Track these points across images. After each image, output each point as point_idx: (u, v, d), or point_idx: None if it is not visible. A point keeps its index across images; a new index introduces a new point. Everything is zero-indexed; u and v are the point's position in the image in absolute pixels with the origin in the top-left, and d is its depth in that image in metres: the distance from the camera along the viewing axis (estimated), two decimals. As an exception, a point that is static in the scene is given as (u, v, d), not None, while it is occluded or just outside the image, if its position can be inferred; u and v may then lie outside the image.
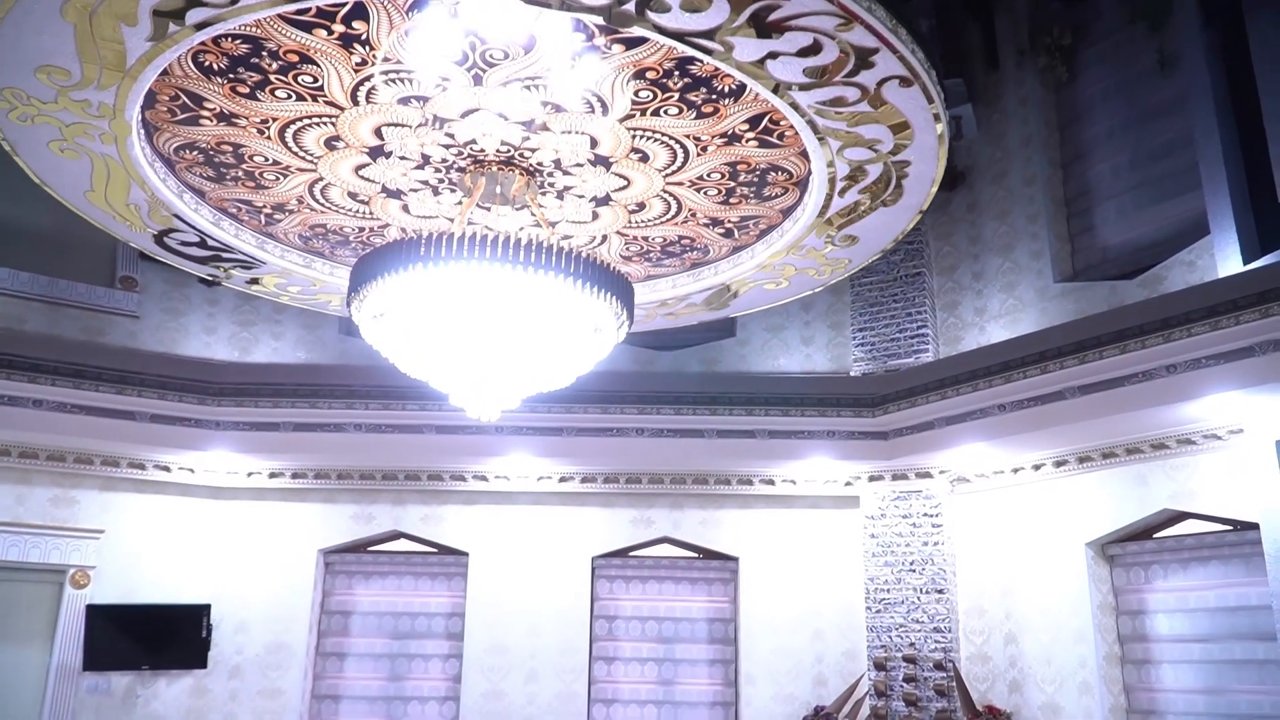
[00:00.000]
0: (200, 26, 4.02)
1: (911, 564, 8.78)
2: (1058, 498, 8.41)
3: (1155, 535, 7.97)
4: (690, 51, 4.13)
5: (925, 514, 8.88)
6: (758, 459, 8.95)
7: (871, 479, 9.10)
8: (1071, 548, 8.23)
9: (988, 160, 9.30)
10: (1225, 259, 7.24)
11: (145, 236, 5.91)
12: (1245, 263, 7.06)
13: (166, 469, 9.21)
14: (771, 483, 9.40)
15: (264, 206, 5.81)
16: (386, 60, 4.45)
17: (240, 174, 5.46)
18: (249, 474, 9.47)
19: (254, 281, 6.66)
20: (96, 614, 8.65)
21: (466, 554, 9.53)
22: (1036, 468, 8.55)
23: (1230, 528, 7.50)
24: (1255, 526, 7.17)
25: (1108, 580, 8.18)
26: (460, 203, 5.62)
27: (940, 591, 8.62)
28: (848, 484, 9.24)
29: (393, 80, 4.58)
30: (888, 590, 8.82)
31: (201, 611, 9.02)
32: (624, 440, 8.90)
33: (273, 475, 9.50)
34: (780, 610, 9.23)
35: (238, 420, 8.85)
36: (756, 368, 9.65)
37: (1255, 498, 6.99)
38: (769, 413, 8.82)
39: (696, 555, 9.62)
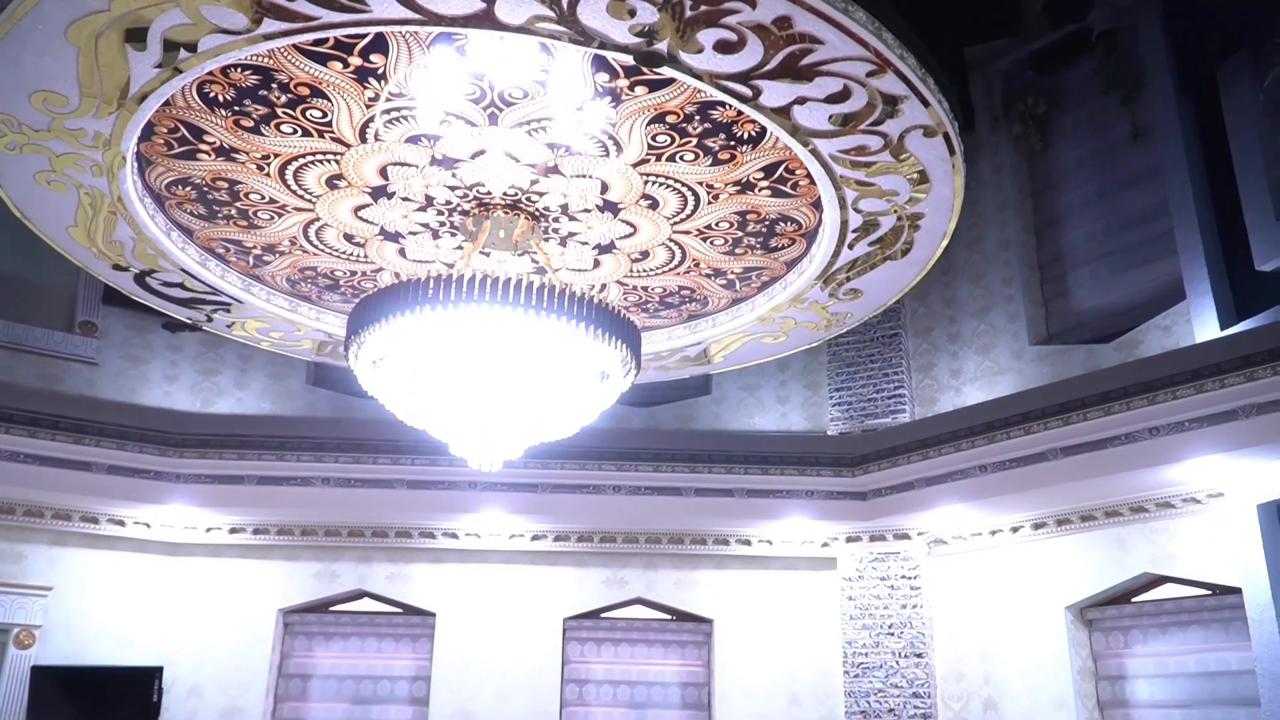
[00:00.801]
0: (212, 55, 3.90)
1: (890, 627, 8.66)
2: (1036, 561, 8.38)
3: (1134, 599, 7.96)
4: (718, 95, 4.10)
5: (903, 576, 8.80)
6: (735, 518, 8.82)
7: (849, 540, 9.01)
8: (1051, 612, 8.18)
9: (963, 225, 9.37)
10: (1202, 325, 7.34)
11: (126, 276, 5.69)
12: (1223, 328, 7.16)
13: (121, 523, 8.83)
14: (748, 543, 9.26)
15: (254, 247, 5.64)
16: (400, 96, 4.35)
17: (233, 212, 5.30)
18: (208, 529, 9.11)
19: (234, 325, 6.45)
20: (42, 676, 8.18)
21: (434, 614, 9.22)
22: (1015, 530, 8.53)
23: (1210, 592, 7.51)
24: (1234, 591, 7.19)
25: (1087, 645, 8.13)
26: (460, 247, 5.51)
27: (919, 655, 8.51)
28: (824, 545, 9.13)
29: (405, 118, 4.48)
30: (866, 654, 8.68)
31: (153, 674, 8.57)
32: (600, 498, 8.73)
33: (233, 531, 9.15)
34: (756, 674, 9.03)
35: (199, 473, 8.54)
36: (732, 426, 9.57)
37: (1237, 562, 7.01)
38: (749, 471, 8.72)
39: (670, 617, 9.42)
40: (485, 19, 3.73)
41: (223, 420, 8.81)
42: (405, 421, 4.96)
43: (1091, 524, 8.09)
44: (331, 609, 9.38)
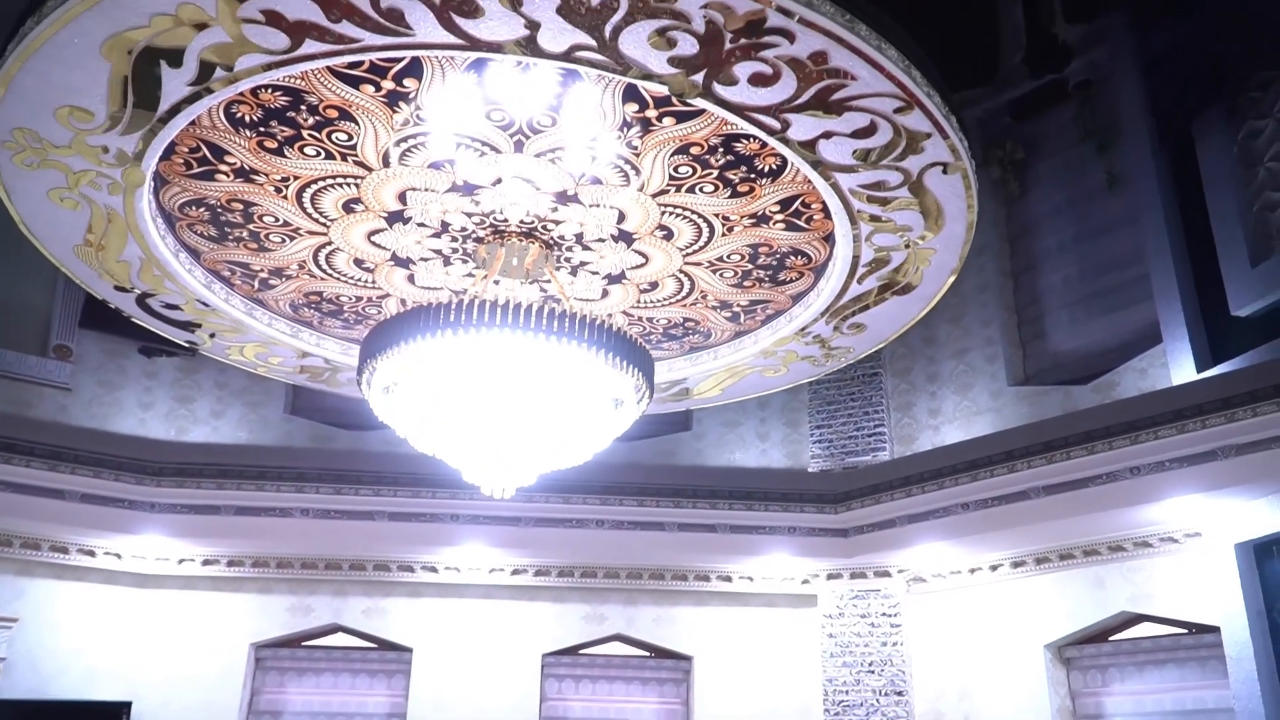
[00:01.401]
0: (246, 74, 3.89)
1: (870, 664, 8.69)
2: (1015, 599, 8.48)
3: (1112, 638, 8.07)
4: (747, 128, 4.17)
5: (884, 613, 8.84)
6: (718, 554, 8.82)
7: (830, 577, 9.05)
8: (1029, 650, 8.26)
9: (942, 267, 9.58)
10: (1179, 368, 7.52)
11: (129, 297, 5.61)
12: (1199, 371, 7.34)
13: (91, 553, 8.60)
14: (729, 579, 9.26)
15: (261, 270, 5.59)
16: (428, 120, 4.37)
17: (244, 234, 5.25)
18: (180, 561, 8.90)
19: (231, 350, 6.37)
20: (5, 710, 7.91)
21: (410, 650, 9.07)
22: (994, 568, 8.62)
23: (1187, 631, 7.65)
24: (1211, 629, 7.32)
25: (1065, 683, 8.22)
26: (471, 274, 5.51)
27: (899, 693, 8.53)
28: (805, 582, 9.15)
29: (430, 143, 4.50)
30: (846, 692, 8.69)
31: (121, 709, 8.33)
32: (583, 532, 8.69)
33: (206, 562, 8.95)
34: (735, 712, 8.98)
35: (175, 502, 8.36)
36: (713, 462, 9.59)
37: (1215, 601, 7.14)
38: (733, 506, 8.74)
39: (649, 654, 9.36)
40: (527, 46, 3.77)
41: (201, 449, 8.66)
42: (417, 448, 4.91)
43: (1070, 563, 8.21)
44: (305, 644, 9.19)
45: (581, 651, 9.33)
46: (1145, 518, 7.44)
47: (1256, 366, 6.80)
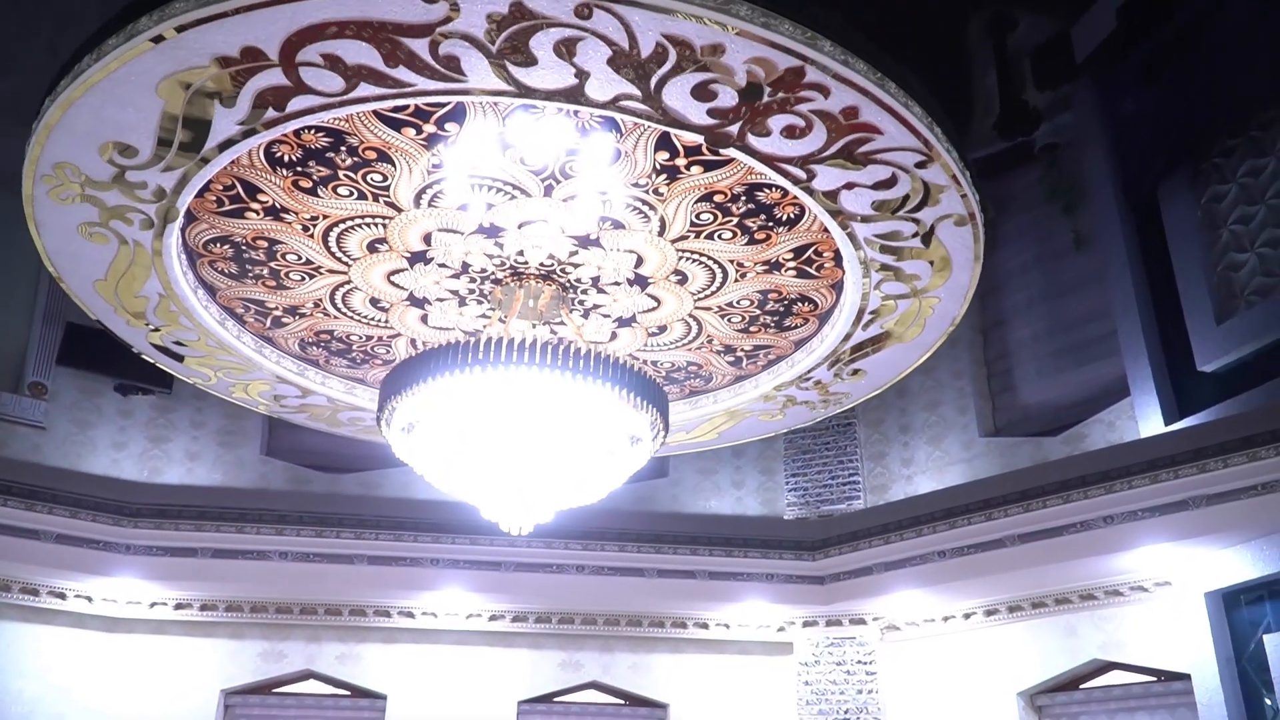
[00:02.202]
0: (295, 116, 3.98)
1: (846, 712, 8.77)
2: (988, 647, 8.64)
3: (1084, 686, 8.26)
4: (774, 178, 4.35)
5: (859, 661, 8.95)
6: (696, 600, 8.88)
7: (806, 624, 9.14)
8: (1002, 698, 8.41)
9: (914, 321, 9.86)
10: (1146, 420, 7.82)
11: (141, 333, 5.59)
12: (1167, 424, 7.63)
13: (62, 596, 8.40)
14: (705, 626, 9.31)
15: (275, 308, 5.62)
16: (463, 163, 4.48)
17: (264, 272, 5.29)
18: (152, 604, 8.72)
19: (235, 387, 6.36)
20: (-33, 757, 7.68)
21: (384, 697, 8.95)
22: (967, 616, 8.78)
23: (1157, 678, 7.86)
24: (1181, 677, 7.53)
25: (1038, 730, 8.39)
26: (485, 315, 5.59)
27: (876, 741, 8.62)
28: (780, 629, 9.24)
29: (470, 186, 4.61)
30: (823, 739, 8.76)
31: (87, 757, 8.11)
32: (563, 577, 8.71)
33: (179, 606, 8.78)
34: (712, 760, 9.00)
35: (151, 544, 8.22)
36: (688, 509, 9.68)
37: (1186, 649, 7.36)
38: (712, 553, 8.83)
39: (623, 702, 9.34)
40: (574, 94, 3.92)
41: (178, 490, 8.55)
42: (436, 487, 4.95)
43: (1042, 611, 8.40)
44: (275, 691, 9.03)
45: (557, 699, 9.28)
46: (1117, 566, 7.66)
47: (1226, 419, 7.10)
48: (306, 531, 8.39)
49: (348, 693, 9.05)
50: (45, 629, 8.40)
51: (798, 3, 3.74)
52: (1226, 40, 7.73)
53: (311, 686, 9.08)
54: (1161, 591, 7.75)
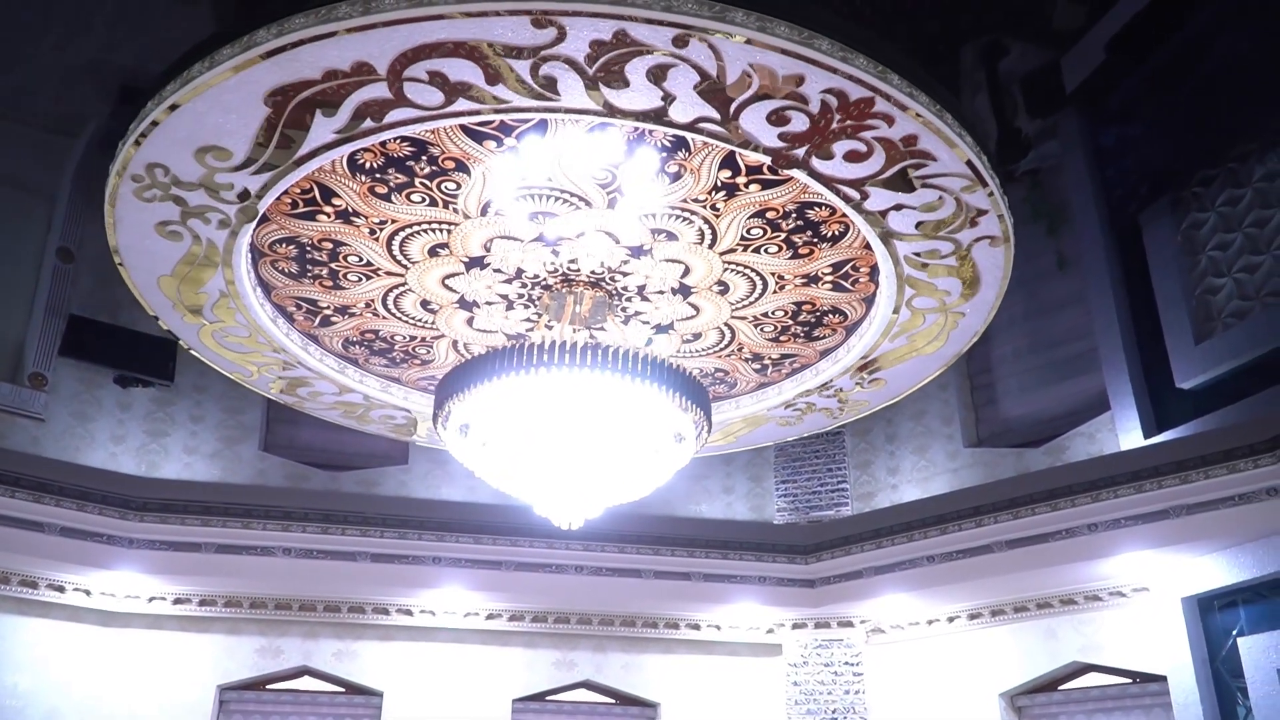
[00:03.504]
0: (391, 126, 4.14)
1: (833, 712, 9.06)
2: (971, 649, 8.99)
3: (1063, 687, 8.64)
4: (830, 197, 4.61)
5: (846, 662, 9.25)
6: (690, 601, 9.12)
7: (795, 626, 9.43)
8: (984, 699, 8.76)
9: (901, 334, 10.21)
10: (1126, 434, 8.22)
11: (194, 328, 5.67)
12: (1145, 438, 8.04)
13: (61, 589, 8.37)
14: (697, 627, 9.55)
15: (327, 307, 5.75)
16: (541, 177, 4.68)
17: (323, 272, 5.42)
18: (150, 599, 8.72)
19: (274, 384, 6.46)
20: (-36, 751, 7.63)
21: (380, 694, 9.04)
22: (950, 620, 9.13)
23: (1133, 680, 8.26)
24: (1157, 679, 7.94)
25: (1018, 731, 8.75)
26: (529, 320, 5.78)
27: (862, 740, 8.93)
28: (769, 631, 9.51)
29: (534, 196, 4.80)
30: (810, 738, 9.04)
31: (82, 753, 8.09)
32: (563, 577, 8.89)
33: (178, 601, 8.79)
34: (701, 758, 9.24)
35: (154, 538, 8.26)
36: (680, 513, 9.90)
37: (1162, 652, 7.77)
38: (709, 555, 9.08)
39: (615, 701, 9.53)
40: (658, 116, 4.14)
41: (182, 485, 8.56)
42: (490, 484, 5.13)
43: (1024, 615, 8.77)
44: (271, 686, 9.08)
45: (549, 698, 9.45)
46: (1097, 572, 8.06)
47: (1206, 433, 7.52)
48: (312, 528, 8.48)
49: (343, 690, 9.13)
50: (41, 622, 8.36)
51: (870, 37, 4.00)
52: (1209, 76, 8.17)
53: (307, 683, 9.14)
54: (1139, 596, 8.15)
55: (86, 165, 8.65)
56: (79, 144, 8.76)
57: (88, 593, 8.48)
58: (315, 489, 9.17)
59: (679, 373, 4.96)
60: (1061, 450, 8.70)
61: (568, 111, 4.12)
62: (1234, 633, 7.48)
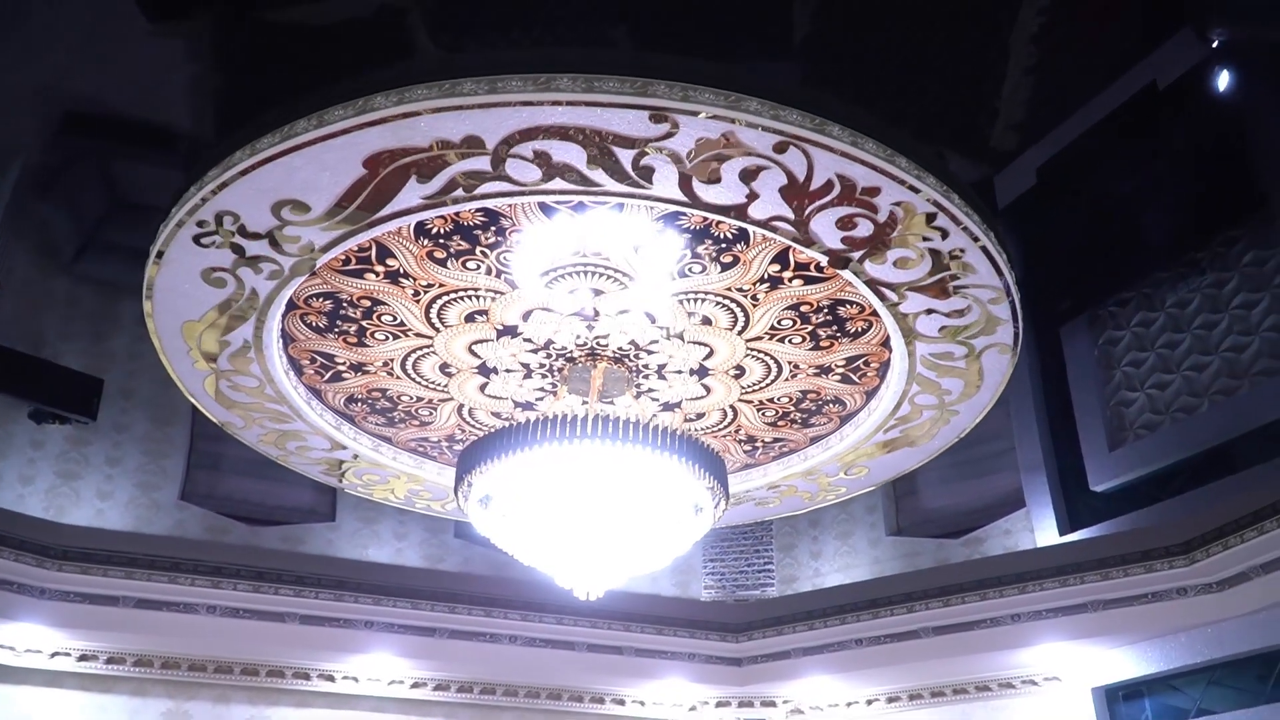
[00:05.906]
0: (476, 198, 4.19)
1: (752, 791, 9.17)
2: (878, 733, 9.29)
3: (975, 771, 9.01)
4: (870, 297, 4.88)
5: (766, 743, 9.40)
6: (620, 676, 9.12)
7: (719, 704, 9.52)
8: (901, 781, 9.06)
9: (827, 421, 10.61)
10: (1041, 531, 8.77)
11: (201, 375, 5.44)
12: (1061, 535, 8.60)
13: (-46, 641, 7.73)
14: (622, 703, 9.52)
15: (343, 363, 5.62)
16: (598, 255, 4.79)
17: (351, 329, 5.33)
18: (53, 654, 8.10)
19: (264, 437, 6.24)
20: None
21: (290, 765, 8.65)
22: (869, 703, 9.41)
23: (1044, 767, 8.70)
24: (1067, 766, 8.42)
25: (934, 816, 9.05)
26: (542, 390, 5.81)
27: (779, 821, 9.05)
28: (692, 709, 9.57)
29: (591, 272, 4.90)
30: (729, 817, 9.10)
31: (-29, 820, 7.43)
32: (496, 646, 8.76)
33: (83, 658, 8.20)
34: (619, 837, 9.16)
35: (68, 589, 7.74)
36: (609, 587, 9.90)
37: (1072, 737, 8.26)
38: (644, 630, 9.12)
39: (530, 778, 9.38)
40: (739, 212, 4.33)
41: (99, 534, 8.06)
42: (512, 555, 5.10)
43: (940, 699, 9.14)
44: (173, 754, 8.55)
45: (463, 774, 9.22)
46: (1015, 661, 8.51)
47: (1124, 534, 8.11)
48: (243, 585, 8.12)
49: (252, 758, 8.68)
50: (-70, 677, 7.70)
51: (939, 155, 4.32)
52: (1129, 208, 8.96)
53: (213, 750, 8.64)
54: (1050, 685, 8.64)
55: (20, 193, 8.19)
56: (10, 172, 8.30)
57: (-17, 646, 7.85)
58: (235, 543, 8.77)
59: (698, 445, 5.08)
60: (979, 543, 9.17)
61: (655, 200, 4.25)
62: (1139, 722, 8.03)
